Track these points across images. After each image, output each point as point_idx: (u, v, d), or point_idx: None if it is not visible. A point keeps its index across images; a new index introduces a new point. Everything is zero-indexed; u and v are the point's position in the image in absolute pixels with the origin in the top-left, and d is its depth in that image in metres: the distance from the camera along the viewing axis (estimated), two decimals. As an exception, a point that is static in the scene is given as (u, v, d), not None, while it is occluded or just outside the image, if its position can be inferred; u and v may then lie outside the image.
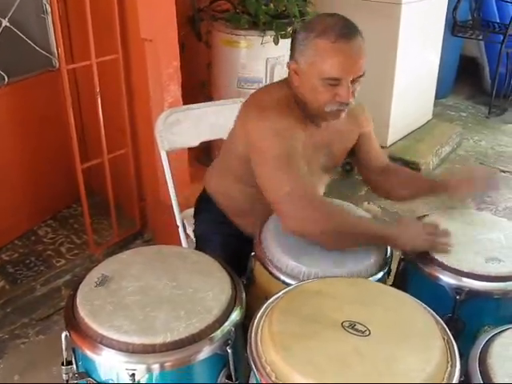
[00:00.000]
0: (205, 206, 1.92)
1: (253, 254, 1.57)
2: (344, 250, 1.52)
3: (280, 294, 1.31)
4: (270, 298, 1.31)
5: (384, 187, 1.90)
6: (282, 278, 1.46)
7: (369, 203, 3.36)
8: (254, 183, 1.66)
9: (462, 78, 5.10)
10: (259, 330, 1.20)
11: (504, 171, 3.86)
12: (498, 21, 4.77)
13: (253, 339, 1.18)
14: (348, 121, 1.71)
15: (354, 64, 1.52)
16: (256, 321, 1.23)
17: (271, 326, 1.18)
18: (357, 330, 1.16)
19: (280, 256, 1.49)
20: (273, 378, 1.09)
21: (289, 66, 1.62)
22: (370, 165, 1.88)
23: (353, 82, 1.54)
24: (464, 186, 1.76)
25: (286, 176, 1.50)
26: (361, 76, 1.55)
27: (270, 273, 1.49)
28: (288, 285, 1.42)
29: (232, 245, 1.72)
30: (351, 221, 1.56)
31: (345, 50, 1.51)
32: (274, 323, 1.18)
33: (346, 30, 1.52)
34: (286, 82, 1.66)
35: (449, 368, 1.12)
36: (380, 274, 1.49)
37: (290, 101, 1.63)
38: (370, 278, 1.47)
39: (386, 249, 1.57)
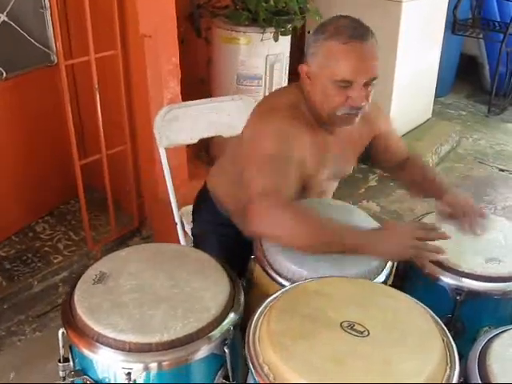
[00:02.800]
0: (204, 205, 1.91)
1: (253, 256, 1.54)
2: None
3: (278, 293, 1.30)
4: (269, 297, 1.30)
5: (402, 181, 1.98)
6: (283, 282, 1.44)
7: (368, 202, 3.35)
8: None
9: (462, 76, 5.10)
10: (257, 330, 1.19)
11: (503, 170, 3.86)
12: (499, 19, 4.77)
13: (251, 338, 1.17)
14: (360, 123, 1.67)
15: (367, 66, 1.49)
16: (254, 320, 1.22)
17: (269, 326, 1.17)
18: (356, 330, 1.15)
19: (281, 260, 1.47)
20: (270, 378, 1.08)
21: (301, 70, 1.58)
22: (387, 162, 1.89)
23: (365, 84, 1.51)
24: (455, 209, 1.67)
25: (267, 177, 1.46)
26: (374, 78, 1.52)
27: (271, 276, 1.47)
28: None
29: (229, 246, 1.71)
30: (321, 231, 1.43)
31: (357, 51, 1.48)
32: (272, 322, 1.17)
33: (358, 32, 1.49)
34: (297, 86, 1.63)
35: (448, 370, 1.11)
36: (382, 277, 1.47)
37: (301, 105, 1.60)
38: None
39: None
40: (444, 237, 1.46)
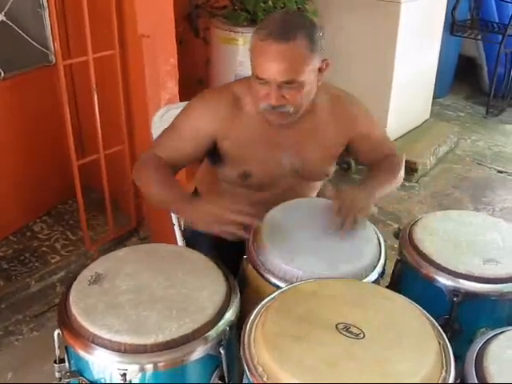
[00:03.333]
0: None
1: (245, 256, 1.54)
2: (337, 252, 1.49)
3: (274, 294, 1.30)
4: (264, 298, 1.29)
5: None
6: (276, 281, 1.43)
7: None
8: (224, 178, 1.72)
9: (461, 77, 5.10)
10: (252, 331, 1.19)
11: (501, 171, 3.86)
12: (497, 21, 4.76)
13: (246, 339, 1.17)
14: (332, 123, 1.68)
15: (279, 67, 1.47)
16: (250, 321, 1.22)
17: (264, 327, 1.17)
18: (351, 332, 1.15)
19: (272, 259, 1.46)
20: (264, 379, 1.08)
21: None
22: (373, 163, 1.81)
23: (281, 86, 1.49)
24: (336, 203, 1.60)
25: (160, 136, 1.71)
26: (290, 82, 1.49)
27: (263, 276, 1.46)
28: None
29: (221, 246, 1.70)
30: (158, 189, 1.60)
31: (269, 50, 1.47)
32: (267, 324, 1.17)
33: (279, 30, 1.46)
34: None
35: (443, 372, 1.10)
36: (374, 276, 1.46)
37: (240, 94, 1.64)
38: (364, 280, 1.44)
39: (380, 251, 1.55)
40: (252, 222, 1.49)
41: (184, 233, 1.94)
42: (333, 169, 1.84)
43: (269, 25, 1.49)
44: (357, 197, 1.60)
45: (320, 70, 1.58)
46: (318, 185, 1.90)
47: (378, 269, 1.49)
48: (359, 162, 1.89)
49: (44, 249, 2.77)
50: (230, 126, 1.64)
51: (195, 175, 1.97)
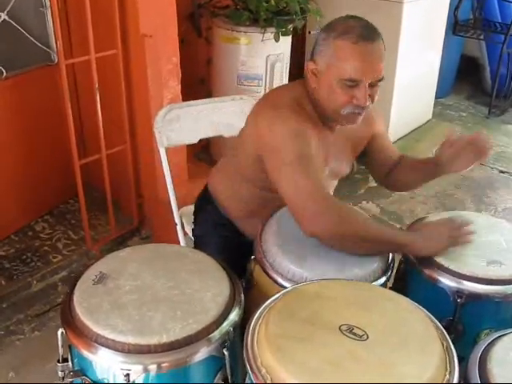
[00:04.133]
0: (206, 206, 1.89)
1: (253, 257, 1.54)
2: (346, 256, 1.49)
3: (278, 295, 1.29)
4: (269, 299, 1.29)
5: (393, 181, 1.89)
6: (283, 283, 1.43)
7: (368, 202, 3.35)
8: (262, 184, 1.66)
9: (463, 77, 5.09)
10: (256, 332, 1.18)
11: (503, 172, 3.85)
12: (500, 21, 4.75)
13: (249, 341, 1.17)
14: (360, 123, 1.68)
15: (373, 67, 1.52)
16: (253, 322, 1.21)
17: (268, 328, 1.16)
18: (355, 334, 1.15)
19: (281, 260, 1.46)
20: (268, 381, 1.08)
21: (307, 67, 1.59)
22: (382, 164, 1.86)
23: (371, 85, 1.53)
24: (455, 144, 1.70)
25: (306, 179, 1.47)
26: (380, 80, 1.54)
27: (271, 277, 1.46)
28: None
29: (231, 247, 1.71)
30: (371, 226, 1.52)
31: (365, 51, 1.50)
32: (270, 325, 1.17)
33: (367, 32, 1.51)
34: (301, 83, 1.64)
35: (447, 375, 1.10)
36: (382, 280, 1.46)
37: (304, 101, 1.61)
38: (373, 284, 1.44)
39: (388, 254, 1.54)
40: (471, 232, 1.56)
41: (193, 232, 1.94)
42: None
43: (353, 29, 1.51)
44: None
45: None
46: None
47: (387, 272, 1.49)
48: (369, 162, 1.89)
49: (46, 248, 2.77)
50: (310, 137, 1.59)
51: (209, 178, 1.93)
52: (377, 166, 1.89)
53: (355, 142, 1.78)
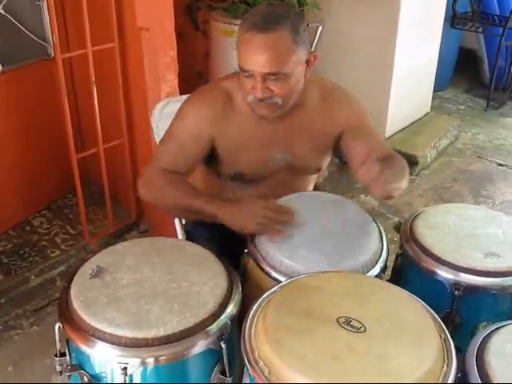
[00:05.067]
0: None
1: (246, 250, 1.53)
2: (338, 247, 1.48)
3: (276, 288, 1.29)
4: (265, 292, 1.29)
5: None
6: (276, 276, 1.42)
7: (366, 196, 3.35)
8: (210, 169, 1.74)
9: (461, 70, 5.08)
10: (253, 324, 1.18)
11: (502, 165, 3.86)
12: (498, 13, 4.74)
13: (247, 333, 1.16)
14: (320, 117, 1.67)
15: (263, 58, 1.46)
16: (251, 315, 1.21)
17: (265, 320, 1.16)
18: (352, 326, 1.14)
19: (273, 254, 1.46)
20: (265, 373, 1.07)
21: None
22: (358, 161, 1.56)
23: (266, 78, 1.49)
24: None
25: (158, 152, 1.69)
26: (275, 74, 1.48)
27: (264, 271, 1.45)
28: (282, 283, 1.39)
29: (222, 240, 1.70)
30: (182, 196, 1.59)
31: (252, 42, 1.47)
32: (268, 317, 1.17)
33: (262, 21, 1.46)
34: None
35: (445, 367, 1.10)
36: (376, 271, 1.45)
37: (232, 91, 1.64)
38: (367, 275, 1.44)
39: (383, 245, 1.54)
40: (288, 221, 1.50)
41: (184, 226, 1.93)
42: (326, 162, 1.83)
43: (252, 16, 1.49)
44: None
45: (308, 62, 1.58)
46: (313, 178, 1.89)
47: (380, 264, 1.48)
48: (349, 161, 1.70)
49: (44, 243, 2.77)
50: (224, 124, 1.64)
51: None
52: (352, 168, 1.65)
53: (315, 135, 1.70)
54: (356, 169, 1.54)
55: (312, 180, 1.89)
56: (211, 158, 1.72)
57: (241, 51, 1.50)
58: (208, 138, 1.65)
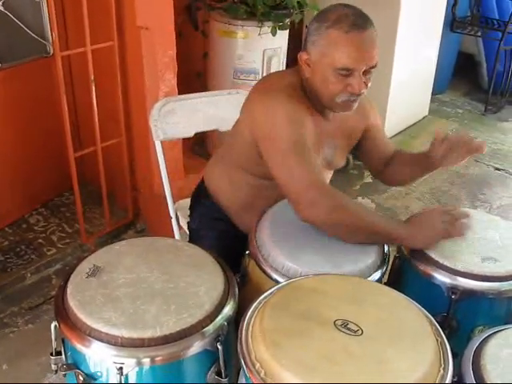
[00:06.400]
0: (201, 200, 1.89)
1: (247, 252, 1.53)
2: (341, 251, 1.48)
3: (273, 289, 1.29)
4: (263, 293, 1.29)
5: (389, 175, 1.88)
6: (278, 278, 1.42)
7: (363, 198, 3.35)
8: (258, 171, 1.66)
9: (459, 74, 5.09)
10: (250, 326, 1.18)
11: (499, 169, 3.86)
12: (497, 17, 4.75)
13: (243, 335, 1.16)
14: (352, 115, 1.70)
15: (367, 54, 1.52)
16: (247, 316, 1.21)
17: (262, 322, 1.16)
18: (349, 329, 1.14)
19: (276, 256, 1.45)
20: (261, 375, 1.07)
21: (300, 58, 1.60)
22: (377, 157, 1.86)
23: (365, 72, 1.54)
24: (440, 148, 1.67)
25: (301, 166, 1.48)
26: (373, 67, 1.55)
27: (265, 272, 1.45)
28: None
29: (226, 242, 1.70)
30: (366, 215, 1.52)
31: (358, 40, 1.50)
32: (265, 319, 1.17)
33: (359, 21, 1.51)
34: (296, 70, 1.65)
35: (441, 371, 1.10)
36: (377, 275, 1.46)
37: (298, 88, 1.62)
38: (368, 279, 1.44)
39: (384, 249, 1.54)
40: (466, 215, 1.57)
41: (188, 226, 1.93)
42: None
43: (346, 18, 1.51)
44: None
45: None
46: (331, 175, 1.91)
47: (382, 268, 1.48)
48: (364, 155, 1.89)
49: (40, 241, 2.76)
50: (303, 123, 1.59)
51: (205, 172, 1.92)
52: (372, 160, 1.89)
53: (348, 131, 1.77)
54: (378, 168, 1.87)
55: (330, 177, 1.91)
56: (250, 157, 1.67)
57: (343, 50, 1.50)
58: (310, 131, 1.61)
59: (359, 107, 1.67)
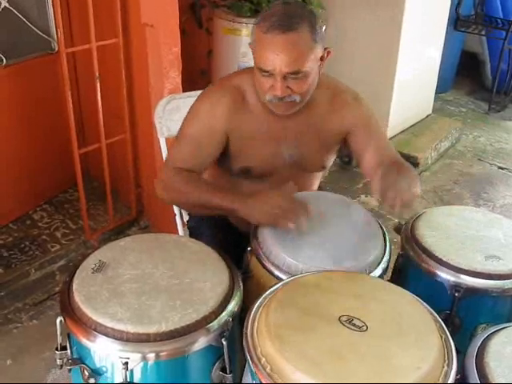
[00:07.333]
0: None
1: (249, 248, 1.53)
2: (342, 247, 1.48)
3: (278, 285, 1.30)
4: (267, 291, 1.29)
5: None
6: (279, 274, 1.42)
7: (366, 196, 3.35)
8: (224, 167, 1.72)
9: (463, 73, 5.09)
10: (256, 321, 1.19)
11: (502, 168, 3.86)
12: (502, 17, 4.75)
13: (249, 330, 1.17)
14: (328, 116, 1.68)
15: (283, 58, 1.46)
16: (253, 311, 1.22)
17: (268, 318, 1.17)
18: (354, 324, 1.15)
19: (277, 252, 1.46)
20: (267, 370, 1.08)
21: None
22: (369, 162, 1.66)
23: (286, 77, 1.49)
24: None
25: (176, 151, 1.68)
26: (295, 73, 1.49)
27: (267, 269, 1.46)
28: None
29: (225, 239, 1.70)
30: (199, 193, 1.60)
31: (273, 42, 1.46)
32: (270, 315, 1.17)
33: (281, 22, 1.46)
34: (251, 70, 1.63)
35: (445, 367, 1.10)
36: (378, 272, 1.46)
37: (244, 87, 1.64)
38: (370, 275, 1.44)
39: (385, 246, 1.54)
40: (308, 214, 1.48)
41: (187, 223, 1.94)
42: (331, 161, 1.83)
43: (271, 17, 1.48)
44: (401, 178, 1.49)
45: (322, 58, 1.58)
46: (318, 177, 1.90)
47: (383, 265, 1.48)
48: (358, 162, 1.76)
49: (44, 237, 2.77)
50: (236, 119, 1.64)
51: None
52: (362, 166, 1.72)
53: (323, 133, 1.71)
54: (369, 175, 1.64)
55: (317, 178, 1.89)
56: (220, 154, 1.71)
57: (260, 52, 1.49)
58: (222, 134, 1.65)
59: (337, 108, 1.66)
